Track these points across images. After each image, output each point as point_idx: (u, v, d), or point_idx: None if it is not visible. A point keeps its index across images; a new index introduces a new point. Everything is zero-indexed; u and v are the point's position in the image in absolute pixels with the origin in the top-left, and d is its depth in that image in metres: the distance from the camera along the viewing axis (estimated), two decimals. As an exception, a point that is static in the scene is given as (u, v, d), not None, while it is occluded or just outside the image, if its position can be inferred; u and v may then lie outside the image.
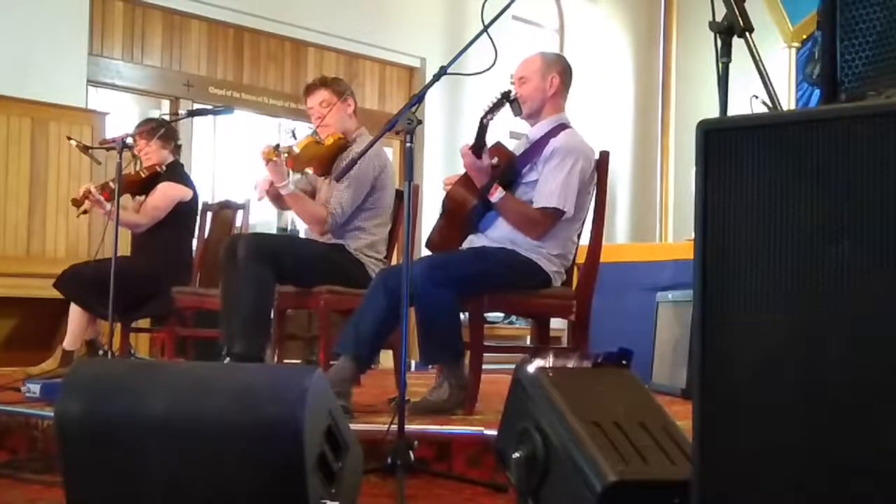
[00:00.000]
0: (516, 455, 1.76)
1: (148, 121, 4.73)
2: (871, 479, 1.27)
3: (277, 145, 3.47)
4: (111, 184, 4.27)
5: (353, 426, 2.06)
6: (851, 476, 1.28)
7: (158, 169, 4.48)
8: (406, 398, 2.38)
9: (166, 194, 4.46)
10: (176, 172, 4.57)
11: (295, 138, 3.78)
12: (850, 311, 1.30)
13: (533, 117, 3.26)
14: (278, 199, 3.58)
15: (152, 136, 4.43)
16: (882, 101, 1.46)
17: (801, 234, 1.35)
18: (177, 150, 4.67)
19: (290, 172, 3.55)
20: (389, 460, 2.21)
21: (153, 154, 4.50)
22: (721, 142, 1.43)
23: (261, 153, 3.47)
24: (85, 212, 4.35)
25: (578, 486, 1.63)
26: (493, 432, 2.18)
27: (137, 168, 4.56)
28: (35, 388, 3.19)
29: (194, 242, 4.75)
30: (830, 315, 1.32)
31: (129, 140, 3.86)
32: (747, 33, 2.01)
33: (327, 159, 3.61)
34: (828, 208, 1.33)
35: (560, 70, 3.25)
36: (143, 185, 4.52)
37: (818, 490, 1.31)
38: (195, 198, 4.59)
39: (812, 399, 1.32)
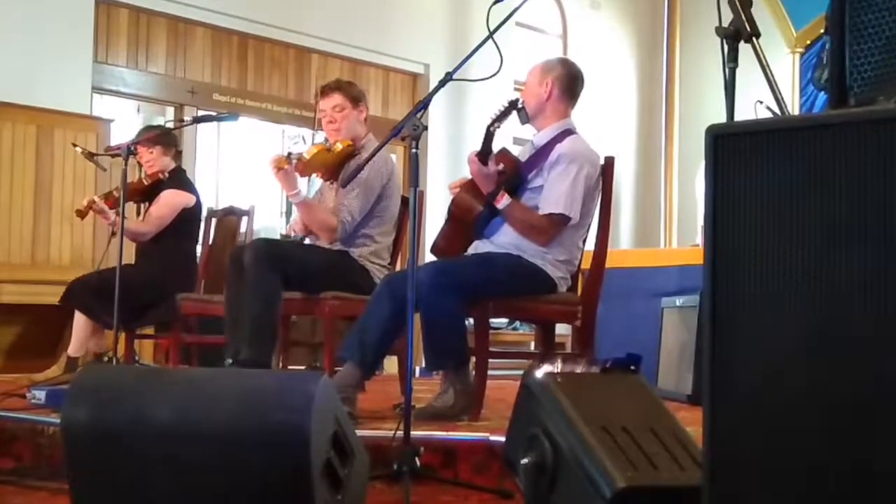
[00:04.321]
0: (525, 461, 1.75)
1: (148, 128, 4.74)
2: (887, 483, 1.26)
3: (289, 154, 3.48)
4: (115, 193, 4.27)
5: (358, 432, 2.05)
6: (865, 481, 1.28)
7: (161, 176, 4.49)
8: (411, 404, 2.37)
9: (170, 202, 4.46)
10: (179, 179, 4.57)
11: (305, 143, 3.79)
12: (861, 314, 1.30)
13: (534, 121, 3.26)
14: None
15: (154, 143, 4.44)
16: (891, 106, 1.46)
17: (810, 238, 1.35)
18: (177, 156, 4.67)
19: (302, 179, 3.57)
20: (395, 467, 2.21)
21: (155, 161, 4.50)
22: (730, 146, 1.43)
23: (270, 162, 3.48)
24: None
25: (588, 493, 1.63)
26: (499, 439, 2.18)
27: (140, 176, 4.57)
28: (40, 395, 3.19)
29: (198, 249, 4.75)
30: (840, 318, 1.31)
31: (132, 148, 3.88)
32: (754, 38, 2.01)
33: (336, 165, 3.62)
34: (837, 212, 1.33)
35: (557, 75, 3.21)
36: (146, 193, 4.52)
37: (831, 495, 1.30)
38: (198, 204, 4.59)
39: (824, 403, 1.32)
